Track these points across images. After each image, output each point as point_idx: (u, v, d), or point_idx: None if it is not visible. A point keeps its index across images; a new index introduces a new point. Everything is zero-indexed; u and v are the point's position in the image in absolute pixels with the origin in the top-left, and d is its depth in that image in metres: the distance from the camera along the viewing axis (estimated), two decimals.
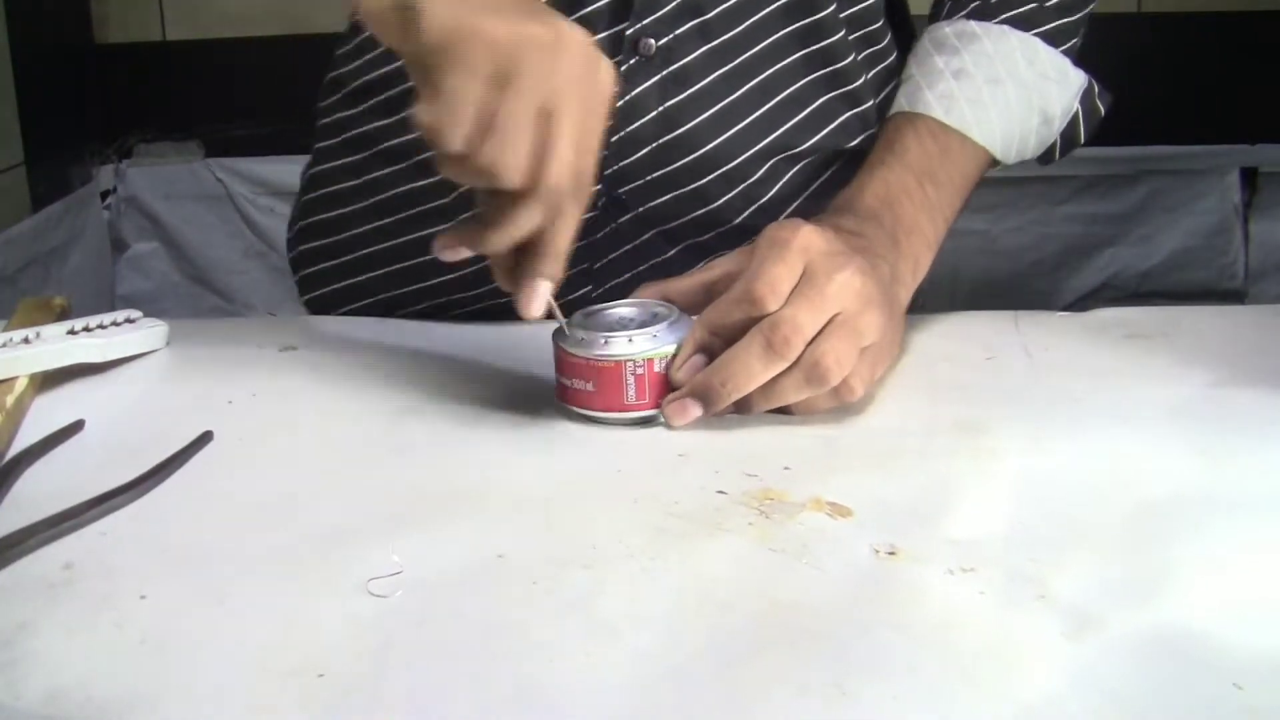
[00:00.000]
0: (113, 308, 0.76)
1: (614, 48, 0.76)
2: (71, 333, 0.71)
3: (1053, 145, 0.78)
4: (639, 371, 0.62)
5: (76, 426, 0.64)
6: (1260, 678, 0.42)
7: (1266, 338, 0.74)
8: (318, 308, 0.90)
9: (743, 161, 0.80)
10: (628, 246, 0.82)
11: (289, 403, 0.68)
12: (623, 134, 0.78)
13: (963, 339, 0.74)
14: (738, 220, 0.82)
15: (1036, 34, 0.76)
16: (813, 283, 0.61)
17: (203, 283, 2.32)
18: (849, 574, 0.50)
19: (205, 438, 0.62)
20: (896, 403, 0.66)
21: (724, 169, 0.80)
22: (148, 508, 0.57)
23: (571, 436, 0.63)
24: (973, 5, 0.77)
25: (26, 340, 0.69)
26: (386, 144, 0.83)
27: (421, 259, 0.83)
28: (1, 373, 0.66)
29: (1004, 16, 0.76)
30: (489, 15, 0.55)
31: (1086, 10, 0.79)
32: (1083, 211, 2.18)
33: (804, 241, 0.62)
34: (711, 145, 0.79)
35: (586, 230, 0.80)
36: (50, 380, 0.70)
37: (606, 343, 0.63)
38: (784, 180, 0.82)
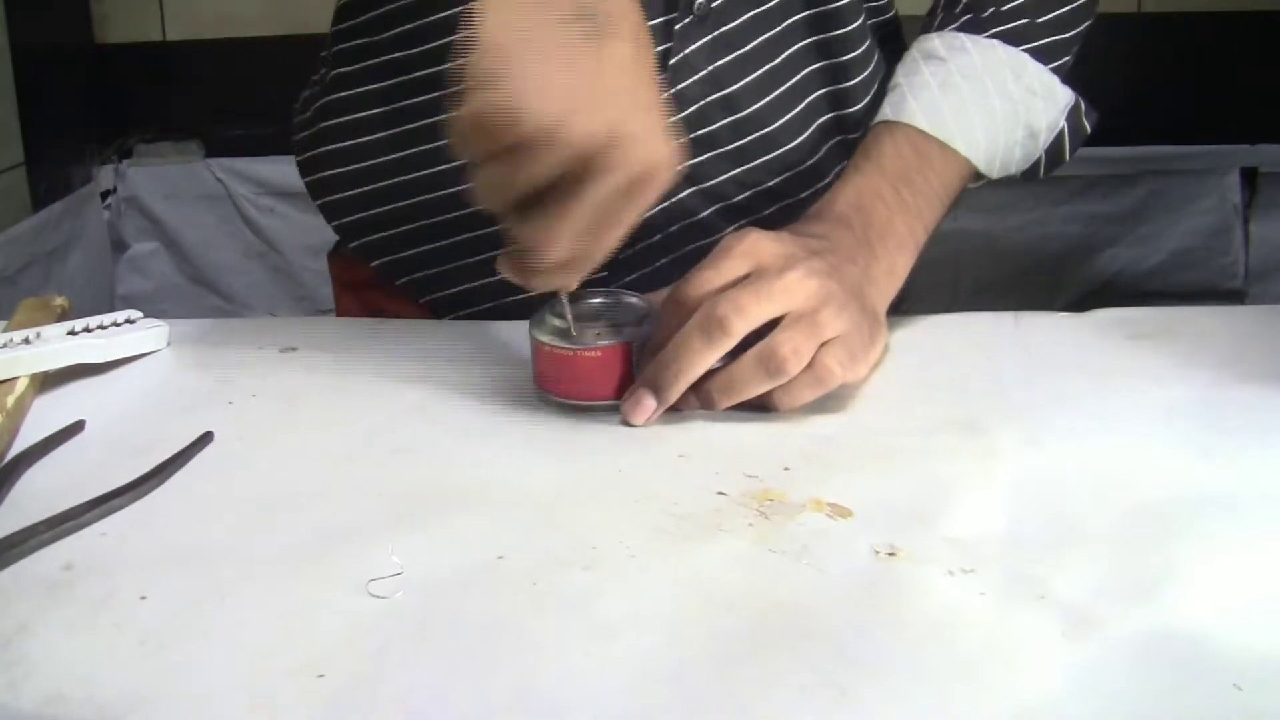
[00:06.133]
0: (113, 308, 0.76)
1: (669, 4, 0.78)
2: (72, 333, 0.71)
3: (1037, 161, 0.79)
4: (596, 359, 0.64)
5: (76, 426, 0.64)
6: (1260, 678, 0.42)
7: (1266, 338, 0.73)
8: (346, 235, 0.88)
9: (783, 125, 0.82)
10: (664, 204, 0.82)
11: (289, 403, 0.68)
12: (670, 93, 0.78)
13: (962, 339, 0.74)
14: (772, 183, 0.83)
15: (1026, 50, 0.76)
16: (762, 276, 0.62)
17: (203, 283, 2.32)
18: (849, 574, 0.50)
19: (205, 438, 0.62)
20: (896, 403, 0.66)
21: (764, 131, 0.82)
22: (148, 508, 0.57)
23: (571, 436, 0.63)
24: (964, 18, 0.77)
25: (27, 340, 0.69)
26: (419, 73, 0.81)
27: (446, 190, 0.81)
28: (2, 373, 0.66)
29: (994, 31, 0.76)
30: (586, 106, 0.52)
31: (1079, 29, 0.79)
32: (1083, 211, 2.17)
33: (749, 247, 0.63)
34: (754, 107, 0.81)
35: None
36: (50, 380, 0.70)
37: (571, 332, 0.64)
38: (825, 149, 0.84)
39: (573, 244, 0.56)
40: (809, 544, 0.52)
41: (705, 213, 0.83)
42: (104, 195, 2.27)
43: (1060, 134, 0.78)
